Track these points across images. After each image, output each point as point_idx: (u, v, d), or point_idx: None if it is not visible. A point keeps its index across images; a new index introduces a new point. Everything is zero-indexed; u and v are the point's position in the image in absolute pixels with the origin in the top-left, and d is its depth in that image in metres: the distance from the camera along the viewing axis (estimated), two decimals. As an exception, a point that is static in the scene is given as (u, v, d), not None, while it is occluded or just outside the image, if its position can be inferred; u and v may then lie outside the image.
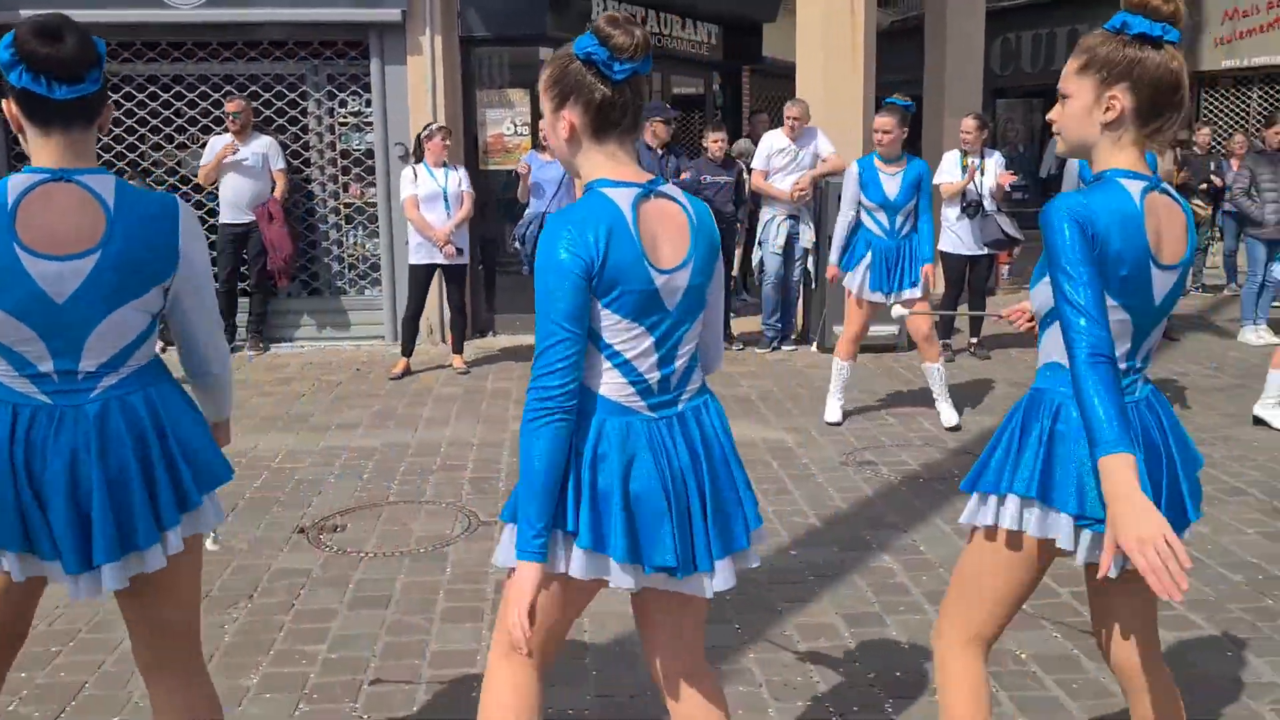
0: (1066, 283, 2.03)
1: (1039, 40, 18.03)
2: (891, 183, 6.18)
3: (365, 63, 8.92)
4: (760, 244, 8.64)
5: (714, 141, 8.57)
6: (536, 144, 8.92)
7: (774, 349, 8.68)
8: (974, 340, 8.50)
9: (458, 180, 7.78)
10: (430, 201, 7.69)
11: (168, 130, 9.02)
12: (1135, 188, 2.10)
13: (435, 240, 7.65)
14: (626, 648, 3.66)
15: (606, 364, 2.11)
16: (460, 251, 7.75)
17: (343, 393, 7.47)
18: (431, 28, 8.72)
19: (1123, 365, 2.17)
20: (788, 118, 8.36)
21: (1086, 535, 2.14)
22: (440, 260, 7.73)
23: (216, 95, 8.77)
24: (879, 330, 8.53)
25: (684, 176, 8.17)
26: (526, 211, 8.11)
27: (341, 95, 9.11)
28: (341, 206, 9.30)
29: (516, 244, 8.17)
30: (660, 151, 8.19)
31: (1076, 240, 2.03)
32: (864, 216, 6.33)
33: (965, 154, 8.18)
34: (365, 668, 3.54)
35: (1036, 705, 3.27)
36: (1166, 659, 3.52)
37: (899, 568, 4.33)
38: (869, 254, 6.24)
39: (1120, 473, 1.92)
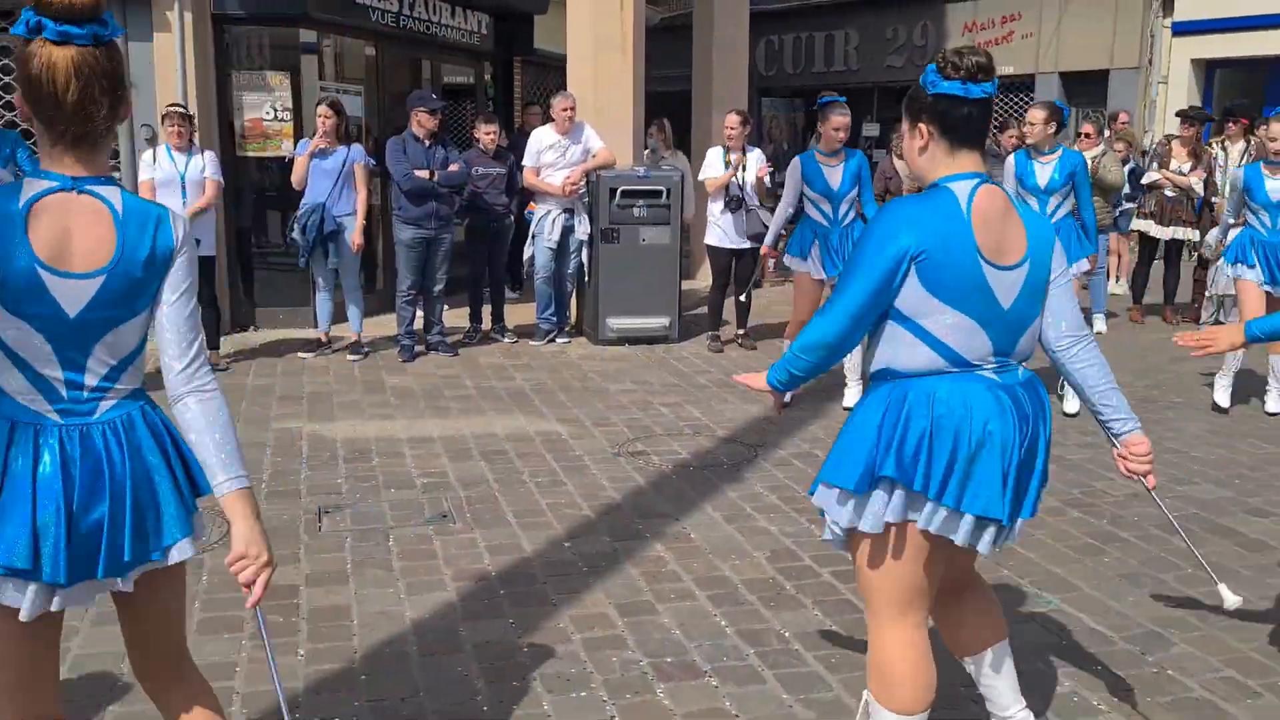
0: None
1: (799, 43, 18.86)
2: (834, 174, 6.48)
3: (106, 37, 8.29)
4: (533, 238, 8.62)
5: (485, 133, 8.47)
6: (304, 131, 8.58)
7: (550, 341, 8.69)
8: (741, 331, 8.78)
9: (200, 166, 7.38)
10: (166, 187, 7.26)
11: None
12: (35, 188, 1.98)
13: None
14: (397, 649, 3.57)
15: None
16: (198, 242, 7.23)
17: (85, 392, 6.93)
18: (180, 2, 8.20)
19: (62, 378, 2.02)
20: (563, 109, 8.36)
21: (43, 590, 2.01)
22: None
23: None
24: (650, 322, 8.70)
25: (454, 169, 8.03)
26: (303, 201, 7.77)
27: (79, 72, 8.43)
28: (81, 192, 8.61)
29: (294, 234, 7.79)
30: (428, 142, 8.01)
31: None
32: (809, 207, 6.61)
33: (728, 150, 8.43)
34: (111, 687, 3.29)
35: (798, 680, 3.41)
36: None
37: (670, 556, 4.42)
38: (816, 241, 6.55)
39: None
